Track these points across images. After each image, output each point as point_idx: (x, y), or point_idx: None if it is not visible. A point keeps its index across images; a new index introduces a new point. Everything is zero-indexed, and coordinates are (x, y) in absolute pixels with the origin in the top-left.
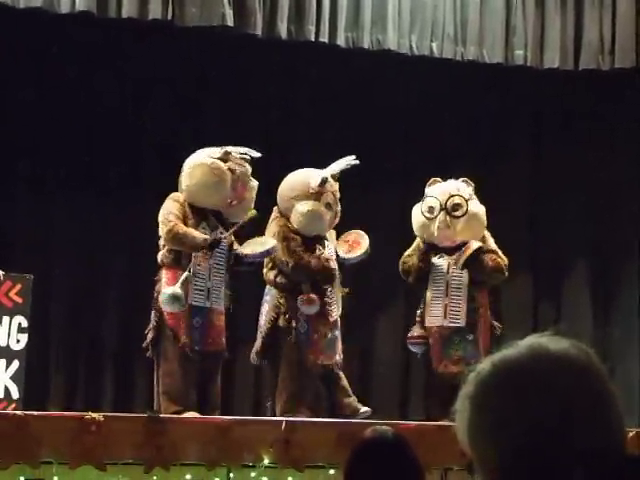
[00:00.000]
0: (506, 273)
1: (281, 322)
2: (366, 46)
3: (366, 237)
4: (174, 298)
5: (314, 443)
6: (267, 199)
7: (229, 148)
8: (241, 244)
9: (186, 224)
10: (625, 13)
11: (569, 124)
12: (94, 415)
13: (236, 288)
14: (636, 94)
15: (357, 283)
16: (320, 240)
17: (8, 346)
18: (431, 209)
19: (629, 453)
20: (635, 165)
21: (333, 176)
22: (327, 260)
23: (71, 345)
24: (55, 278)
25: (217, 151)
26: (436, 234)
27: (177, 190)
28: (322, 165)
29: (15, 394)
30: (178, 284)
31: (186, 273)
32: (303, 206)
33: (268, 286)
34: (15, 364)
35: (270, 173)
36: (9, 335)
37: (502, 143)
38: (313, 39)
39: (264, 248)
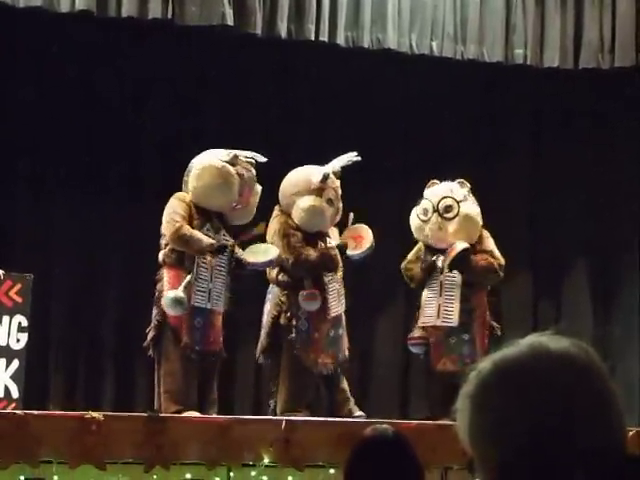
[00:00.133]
0: (500, 273)
1: (282, 320)
2: (366, 45)
3: (370, 231)
4: (177, 302)
5: (314, 442)
6: (266, 198)
7: (237, 152)
8: (243, 247)
9: (191, 224)
10: (625, 12)
11: (569, 123)
12: (94, 414)
13: (236, 291)
14: (636, 93)
15: (356, 283)
16: (322, 237)
17: (8, 345)
18: (425, 211)
19: (630, 453)
20: (635, 163)
21: (335, 173)
22: (327, 248)
23: (71, 344)
24: (55, 277)
25: (225, 154)
26: (430, 236)
27: (177, 189)
28: (322, 164)
29: (15, 393)
30: (181, 287)
31: (189, 277)
32: (304, 202)
33: (271, 284)
34: (15, 363)
35: (270, 172)
36: (9, 334)
37: (502, 142)
38: (313, 38)
39: (266, 258)
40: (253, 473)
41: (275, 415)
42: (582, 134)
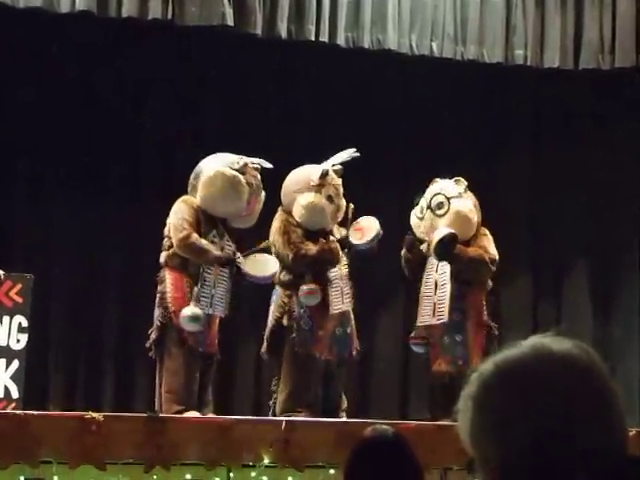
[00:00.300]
0: (491, 267)
1: (285, 321)
2: (366, 46)
3: (376, 221)
4: (194, 319)
5: (314, 443)
6: (266, 199)
7: (246, 159)
8: (243, 250)
9: (198, 231)
10: (625, 12)
11: (569, 123)
12: (94, 415)
13: (238, 294)
14: (636, 93)
15: (357, 281)
16: (325, 234)
17: (8, 346)
18: (421, 209)
19: (631, 454)
20: (635, 164)
21: (337, 171)
22: (327, 242)
23: (71, 345)
24: (55, 277)
25: (236, 162)
26: (425, 233)
27: (177, 189)
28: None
29: (15, 394)
30: (193, 303)
31: (197, 288)
32: (304, 199)
33: (276, 285)
34: (15, 364)
35: (270, 172)
36: (9, 335)
37: (502, 142)
38: (313, 39)
39: (265, 274)
40: (253, 474)
41: (274, 414)
42: (582, 135)
